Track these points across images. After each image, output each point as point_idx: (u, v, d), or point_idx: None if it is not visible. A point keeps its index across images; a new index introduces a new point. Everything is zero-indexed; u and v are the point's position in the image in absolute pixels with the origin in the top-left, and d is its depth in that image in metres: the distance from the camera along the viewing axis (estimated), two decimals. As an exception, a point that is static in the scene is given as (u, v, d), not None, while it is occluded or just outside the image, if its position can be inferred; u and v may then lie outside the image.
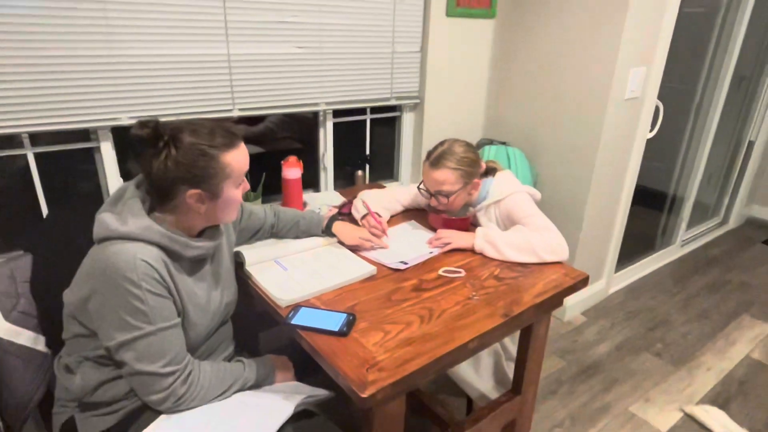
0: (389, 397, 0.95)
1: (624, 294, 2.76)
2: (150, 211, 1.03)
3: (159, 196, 1.03)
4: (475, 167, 1.47)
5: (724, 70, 2.81)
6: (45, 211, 1.57)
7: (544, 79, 2.27)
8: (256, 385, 1.14)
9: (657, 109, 2.38)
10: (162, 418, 1.01)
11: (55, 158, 1.56)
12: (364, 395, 0.89)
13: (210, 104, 1.69)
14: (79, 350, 1.03)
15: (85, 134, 1.58)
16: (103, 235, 0.97)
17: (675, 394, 2.02)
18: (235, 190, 1.05)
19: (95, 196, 1.70)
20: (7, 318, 1.16)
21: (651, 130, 2.40)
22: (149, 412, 1.02)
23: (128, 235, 0.96)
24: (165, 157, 0.97)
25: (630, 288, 2.82)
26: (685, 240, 3.26)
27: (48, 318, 1.19)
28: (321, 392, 1.16)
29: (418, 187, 1.54)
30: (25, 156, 1.50)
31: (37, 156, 1.51)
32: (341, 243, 1.42)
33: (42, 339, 1.21)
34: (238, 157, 1.02)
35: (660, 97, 2.34)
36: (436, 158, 1.44)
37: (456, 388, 1.83)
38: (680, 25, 2.20)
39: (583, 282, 1.31)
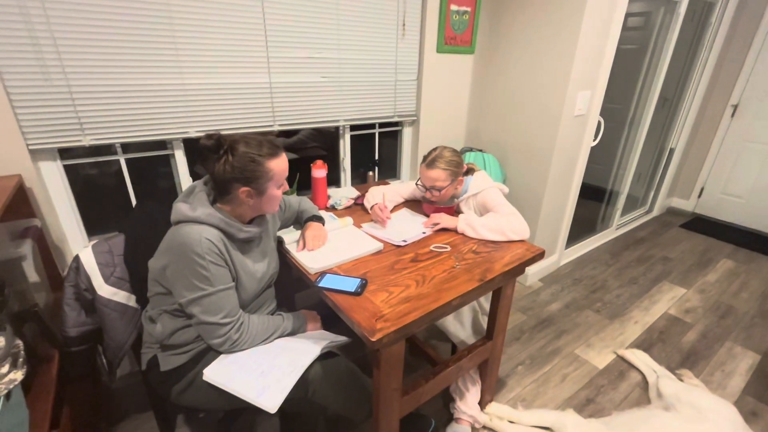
0: (393, 341, 0.94)
1: (572, 265, 2.72)
2: (213, 203, 1.03)
3: (219, 191, 1.03)
4: (460, 168, 1.45)
5: (651, 93, 2.74)
6: (134, 202, 1.58)
7: (511, 100, 2.22)
8: (293, 333, 1.14)
9: (599, 124, 2.32)
10: (222, 357, 1.02)
11: (140, 163, 1.56)
12: (373, 339, 0.89)
13: (257, 120, 1.67)
14: (160, 305, 1.04)
15: (162, 144, 1.57)
16: (177, 219, 0.97)
17: (609, 341, 2.00)
18: (276, 190, 1.05)
19: (170, 192, 1.70)
20: (107, 282, 1.17)
21: (594, 140, 2.34)
22: (212, 352, 1.03)
23: (196, 219, 0.96)
24: (224, 162, 0.97)
25: (577, 261, 2.78)
26: (619, 224, 3.21)
27: (137, 282, 1.19)
28: (341, 338, 1.16)
29: (416, 183, 1.52)
30: (118, 161, 1.50)
31: (127, 161, 1.51)
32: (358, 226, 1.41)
33: (133, 297, 1.22)
34: (279, 164, 1.02)
35: (601, 113, 2.28)
36: (430, 161, 1.42)
37: (443, 336, 1.83)
38: (618, 57, 2.14)
39: (540, 255, 1.29)
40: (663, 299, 2.36)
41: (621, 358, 1.87)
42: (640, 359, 1.82)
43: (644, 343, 1.98)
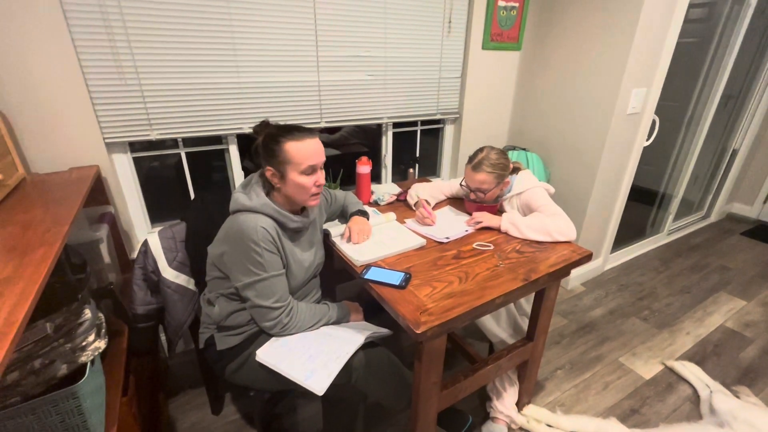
0: (435, 335, 0.97)
1: (617, 271, 2.61)
2: (267, 194, 1.09)
3: (263, 176, 1.09)
4: (506, 170, 1.44)
5: (714, 91, 2.56)
6: (191, 193, 1.69)
7: (558, 98, 2.16)
8: (337, 322, 1.19)
9: (653, 122, 2.21)
10: (273, 339, 1.08)
11: (197, 156, 1.67)
12: (418, 331, 0.91)
13: (305, 117, 1.74)
14: (217, 288, 1.12)
15: (218, 139, 1.68)
16: (235, 208, 1.04)
17: (657, 351, 1.91)
18: (300, 176, 1.04)
19: (224, 184, 1.80)
20: (170, 265, 1.27)
21: (647, 140, 2.23)
22: (264, 335, 1.10)
23: (252, 209, 1.02)
24: (256, 142, 1.05)
25: (623, 266, 2.67)
26: (671, 230, 3.03)
27: (196, 267, 1.29)
28: (383, 330, 1.20)
29: (461, 184, 1.52)
30: (179, 154, 1.62)
31: (187, 154, 1.63)
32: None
33: (192, 281, 1.32)
34: (297, 147, 1.02)
35: (656, 111, 2.17)
36: (476, 164, 1.41)
37: (481, 335, 1.83)
38: (677, 52, 2.02)
39: (587, 258, 1.26)
40: (719, 311, 2.21)
41: (670, 370, 1.78)
42: (692, 372, 1.73)
43: (696, 356, 1.87)
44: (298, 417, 1.53)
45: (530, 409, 1.52)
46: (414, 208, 1.53)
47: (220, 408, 1.56)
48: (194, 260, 1.28)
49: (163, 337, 1.67)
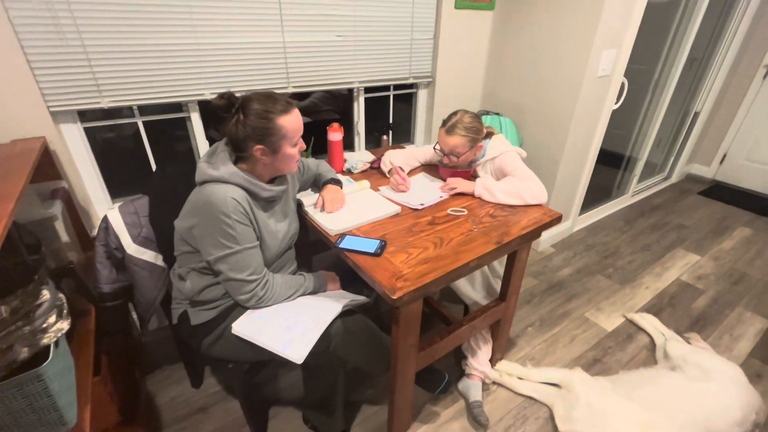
0: (412, 300, 0.98)
1: (585, 232, 2.72)
2: (235, 163, 1.04)
3: (235, 150, 1.04)
4: (479, 134, 1.43)
5: (680, 53, 2.61)
6: (153, 165, 1.60)
7: (531, 61, 2.14)
8: (314, 292, 1.19)
9: (622, 85, 2.24)
10: (248, 312, 1.07)
11: (157, 126, 1.57)
12: (394, 297, 0.92)
13: (271, 82, 1.65)
14: (188, 263, 1.08)
15: (178, 107, 1.57)
16: (202, 179, 0.99)
17: (619, 305, 2.04)
18: (291, 148, 1.04)
19: (188, 155, 1.71)
20: (135, 241, 1.22)
21: (616, 103, 2.27)
22: (239, 308, 1.09)
23: (220, 179, 0.98)
24: (236, 121, 0.97)
25: (590, 227, 2.78)
26: (635, 191, 3.16)
27: (163, 242, 1.24)
28: (360, 298, 1.21)
29: (434, 148, 1.51)
30: (136, 124, 1.51)
31: (145, 124, 1.52)
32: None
33: (160, 257, 1.27)
34: (291, 121, 1.00)
35: (625, 74, 2.19)
36: (450, 127, 1.40)
37: (455, 298, 1.89)
38: (646, 13, 2.02)
39: (558, 220, 1.30)
40: (676, 266, 2.37)
41: (630, 322, 1.92)
42: (649, 322, 1.86)
43: (654, 308, 2.01)
44: (279, 385, 1.56)
45: (503, 365, 1.60)
46: (388, 175, 1.52)
47: (200, 381, 1.57)
48: (160, 235, 1.23)
49: (134, 315, 1.63)
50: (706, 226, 2.84)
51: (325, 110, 2.48)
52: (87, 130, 1.43)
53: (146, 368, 1.63)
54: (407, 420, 1.37)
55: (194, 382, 1.54)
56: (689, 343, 1.73)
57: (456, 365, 1.64)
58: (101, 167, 1.51)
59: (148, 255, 1.24)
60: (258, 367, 1.60)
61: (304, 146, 1.10)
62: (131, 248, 1.21)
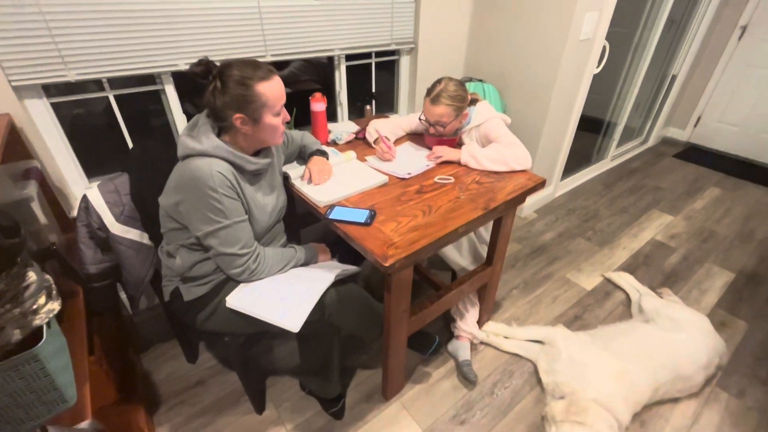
0: (403, 267, 1.01)
1: (566, 197, 2.79)
2: (218, 135, 1.02)
3: (216, 121, 1.01)
4: (464, 102, 1.42)
5: (660, 15, 2.61)
6: (129, 141, 1.54)
7: (514, 26, 2.10)
8: (306, 264, 1.20)
9: (604, 49, 2.24)
10: (241, 286, 1.08)
11: (131, 101, 1.50)
12: (387, 264, 0.94)
13: (247, 51, 1.58)
14: (176, 240, 1.07)
15: (151, 79, 1.50)
16: (184, 153, 0.97)
17: (598, 265, 2.13)
18: (273, 118, 1.00)
19: (165, 130, 1.65)
20: (118, 220, 1.19)
21: (597, 67, 2.28)
22: (232, 282, 1.09)
23: (204, 152, 0.96)
24: (214, 88, 0.94)
25: (571, 192, 2.85)
26: (614, 155, 3.24)
27: (148, 220, 1.22)
28: (352, 268, 1.23)
29: (420, 119, 1.49)
30: (107, 99, 1.44)
31: (117, 98, 1.45)
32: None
33: (146, 235, 1.25)
34: (271, 88, 0.97)
35: (606, 38, 2.19)
36: (435, 96, 1.38)
37: (444, 265, 1.93)
38: (629, -27, 2.00)
39: (541, 184, 1.33)
40: (651, 226, 2.48)
41: (608, 280, 2.02)
42: (625, 280, 1.97)
43: (630, 267, 2.12)
44: (275, 356, 1.59)
45: (490, 326, 1.68)
46: (374, 145, 1.51)
47: (195, 356, 1.59)
48: (144, 213, 1.20)
49: (124, 295, 1.62)
50: (680, 187, 2.95)
51: (306, 80, 2.40)
52: (55, 106, 1.35)
53: (140, 347, 1.64)
54: (400, 381, 1.44)
55: (189, 358, 1.56)
56: (661, 297, 1.84)
57: (445, 328, 1.71)
58: (75, 145, 1.44)
59: (133, 234, 1.22)
60: (254, 339, 1.63)
61: (288, 117, 1.08)
62: (115, 227, 1.19)
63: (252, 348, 1.62)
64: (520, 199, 1.28)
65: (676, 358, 1.42)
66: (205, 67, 0.94)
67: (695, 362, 1.42)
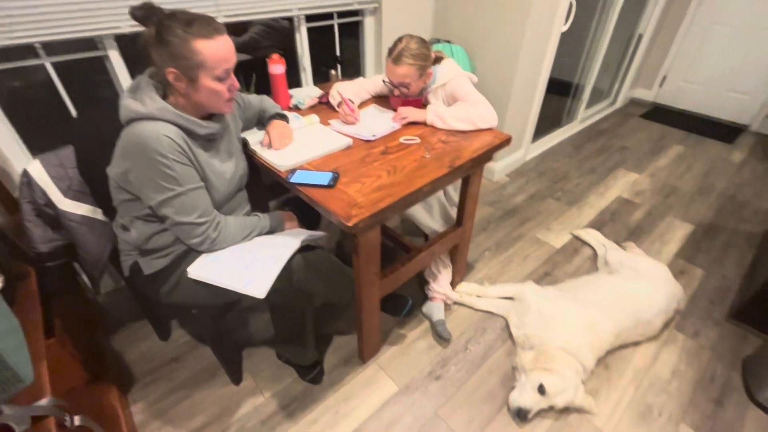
0: (368, 226, 0.99)
1: (537, 159, 2.82)
2: (164, 98, 0.95)
3: (159, 81, 0.93)
4: (428, 60, 1.38)
5: (626, -30, 2.59)
6: (74, 112, 1.44)
7: (481, -19, 2.05)
8: (271, 232, 1.17)
9: (570, 6, 2.21)
10: (204, 256, 1.05)
11: (74, 71, 1.39)
12: (350, 224, 0.93)
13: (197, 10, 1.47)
14: (130, 212, 1.02)
15: (93, 44, 1.39)
16: (128, 117, 0.91)
17: (567, 224, 2.19)
18: (213, 82, 0.92)
19: (113, 102, 1.54)
20: (66, 196, 1.12)
21: (565, 24, 2.25)
22: (193, 253, 1.05)
23: (149, 115, 0.90)
24: (149, 36, 0.87)
25: (542, 155, 2.88)
26: (584, 117, 3.28)
27: (99, 194, 1.15)
28: (318, 233, 1.21)
29: (383, 81, 1.45)
30: (46, 70, 1.32)
31: (57, 68, 1.33)
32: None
33: (99, 210, 1.19)
34: (211, 48, 0.88)
35: (573, -5, 2.17)
36: (397, 56, 1.33)
37: (417, 231, 1.94)
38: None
39: (507, 141, 1.32)
40: (617, 185, 2.55)
41: (576, 238, 2.08)
42: (592, 236, 2.03)
43: (597, 224, 2.18)
44: (250, 328, 1.58)
45: (462, 286, 1.71)
46: (337, 108, 1.46)
47: (167, 333, 1.56)
48: (94, 187, 1.14)
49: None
50: (646, 146, 3.03)
51: (267, 46, 2.28)
52: (-16, 76, 1.24)
53: (110, 328, 1.59)
54: (376, 344, 1.46)
55: (161, 336, 1.54)
56: (626, 250, 1.91)
57: (420, 292, 1.73)
58: (15, 120, 1.33)
59: (85, 209, 1.16)
60: (225, 310, 1.61)
61: (237, 85, 1.00)
62: (63, 203, 1.12)
63: (224, 320, 1.61)
64: (487, 156, 1.28)
65: (637, 304, 1.49)
66: (146, 11, 0.86)
67: (654, 307, 1.50)
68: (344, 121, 1.39)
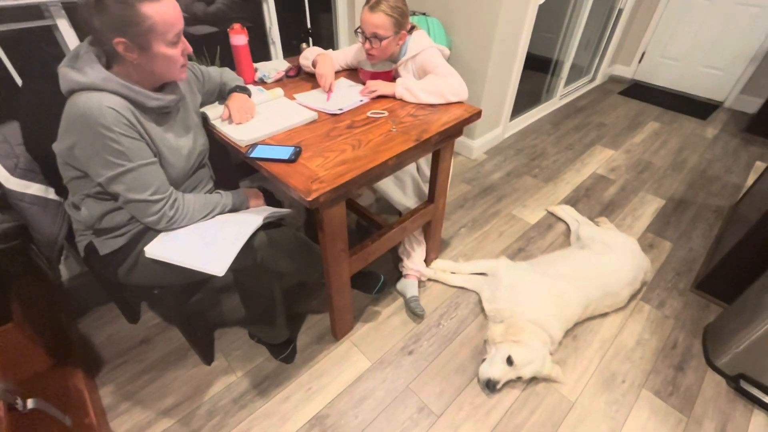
0: (330, 200, 0.97)
1: (515, 137, 2.81)
2: (108, 67, 0.89)
3: (100, 47, 0.87)
4: (405, 18, 1.32)
5: (606, -59, 2.53)
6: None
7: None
8: (234, 210, 1.13)
9: (548, -23, 2.16)
10: (162, 235, 1.01)
11: (21, 41, 1.30)
12: (309, 198, 0.90)
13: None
14: (80, 190, 0.97)
15: (38, 12, 1.29)
16: (68, 88, 0.85)
17: (543, 200, 2.20)
18: (166, 48, 0.87)
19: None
20: (13, 174, 1.06)
21: (542, -3, 2.21)
22: (151, 232, 1.02)
23: (91, 86, 0.84)
24: (87, 3, 0.80)
25: (520, 132, 2.87)
26: (563, 95, 3.27)
27: (50, 172, 1.10)
28: (284, 210, 1.18)
29: (356, 31, 1.38)
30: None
31: (2, 37, 1.25)
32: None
33: (51, 190, 1.14)
34: (161, 11, 0.83)
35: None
36: (374, 3, 1.27)
37: (393, 208, 1.93)
38: None
39: (477, 115, 1.29)
40: (593, 161, 2.56)
41: (551, 214, 2.09)
42: (566, 212, 2.05)
43: (572, 200, 2.20)
44: (221, 309, 1.56)
45: (437, 263, 1.72)
46: (312, 68, 1.39)
47: (137, 316, 1.53)
48: (44, 164, 1.08)
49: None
50: (623, 123, 3.04)
51: (235, 18, 2.18)
52: None
53: (76, 312, 1.55)
54: (349, 322, 1.46)
55: (130, 318, 1.51)
56: (598, 225, 1.94)
57: (395, 270, 1.73)
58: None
59: (36, 188, 1.10)
60: (190, 290, 1.59)
61: (191, 49, 0.95)
62: (11, 182, 1.06)
63: (192, 300, 1.58)
64: (457, 130, 1.26)
65: (604, 277, 1.52)
66: None
67: (621, 279, 1.53)
68: (321, 86, 1.35)
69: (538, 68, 3.09)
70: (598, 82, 3.67)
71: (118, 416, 1.24)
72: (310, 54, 1.44)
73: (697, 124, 3.05)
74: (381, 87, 1.35)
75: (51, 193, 1.13)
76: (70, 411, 1.11)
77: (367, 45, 1.35)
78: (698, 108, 3.26)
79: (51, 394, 1.16)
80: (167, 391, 1.31)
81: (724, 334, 1.39)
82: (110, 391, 1.31)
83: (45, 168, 1.10)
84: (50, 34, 1.35)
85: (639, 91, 3.53)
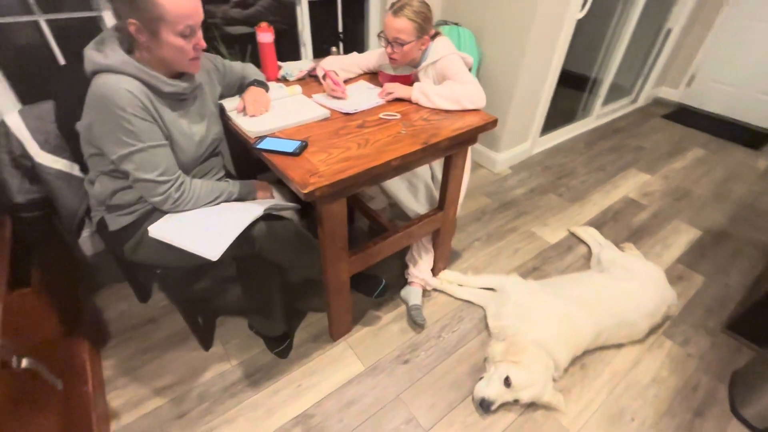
0: (327, 195, 0.97)
1: (545, 154, 2.71)
2: (129, 53, 0.94)
3: (122, 31, 0.91)
4: (428, 23, 1.32)
5: (655, -43, 2.43)
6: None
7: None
8: (240, 199, 1.15)
9: (588, -9, 2.09)
10: (167, 216, 1.04)
11: (68, 29, 1.40)
12: (305, 191, 0.90)
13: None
14: (96, 167, 1.02)
15: (86, 4, 1.40)
16: (91, 69, 0.90)
17: (566, 220, 2.10)
18: (175, 38, 0.90)
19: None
20: (43, 149, 1.14)
21: (581, 10, 2.14)
22: (158, 212, 1.05)
23: (111, 68, 0.89)
24: None
25: (550, 149, 2.77)
26: (600, 114, 3.13)
27: (77, 150, 1.16)
28: (290, 204, 1.19)
29: (379, 35, 1.39)
30: (38, 25, 1.34)
31: (52, 27, 1.35)
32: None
33: (76, 167, 1.21)
34: (173, 2, 0.85)
35: (592, -21, 2.04)
36: (398, 8, 1.28)
37: (406, 216, 1.90)
38: None
39: (493, 124, 1.26)
40: (625, 184, 2.42)
41: (572, 234, 1.99)
42: (589, 234, 1.94)
43: (597, 222, 2.09)
44: (227, 297, 1.59)
45: (445, 273, 1.67)
46: (322, 81, 1.42)
47: (147, 295, 1.59)
48: (73, 142, 1.15)
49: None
50: (663, 147, 2.87)
51: (273, 21, 2.26)
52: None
53: (94, 286, 1.63)
54: (347, 323, 1.44)
55: (141, 297, 1.56)
56: (623, 251, 1.82)
57: (401, 276, 1.70)
58: (7, 71, 1.36)
59: (62, 164, 1.17)
60: (194, 275, 1.62)
61: (204, 44, 0.97)
62: (41, 156, 1.14)
63: (196, 284, 1.62)
64: (469, 137, 1.23)
65: (621, 304, 1.41)
66: None
67: (641, 309, 1.42)
68: (332, 96, 1.36)
69: (575, 85, 2.99)
70: (640, 103, 3.49)
71: (115, 389, 1.28)
72: (326, 65, 1.46)
73: (747, 153, 2.82)
74: (398, 89, 1.35)
75: (76, 170, 1.20)
76: (69, 378, 1.16)
77: (389, 49, 1.36)
78: (751, 137, 3.02)
79: (55, 360, 1.22)
80: (165, 371, 1.34)
81: (756, 381, 1.25)
82: (112, 365, 1.35)
83: (74, 146, 1.17)
84: (96, 24, 1.45)
85: (685, 116, 3.32)
